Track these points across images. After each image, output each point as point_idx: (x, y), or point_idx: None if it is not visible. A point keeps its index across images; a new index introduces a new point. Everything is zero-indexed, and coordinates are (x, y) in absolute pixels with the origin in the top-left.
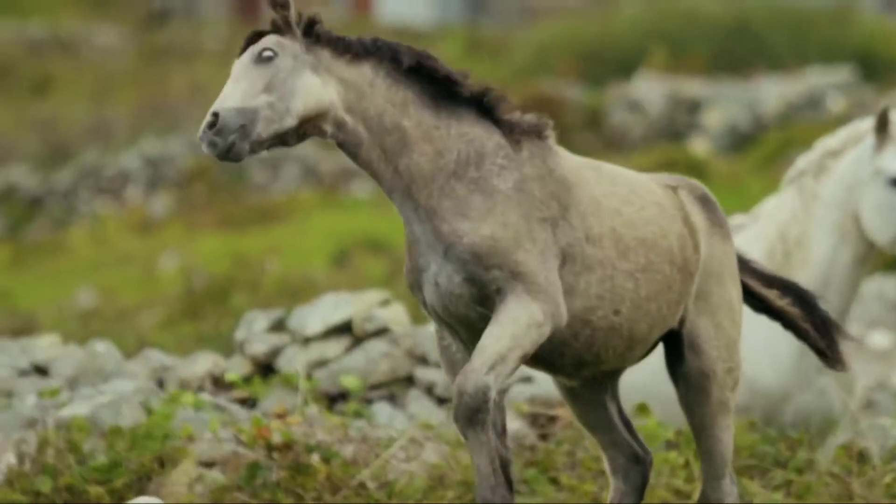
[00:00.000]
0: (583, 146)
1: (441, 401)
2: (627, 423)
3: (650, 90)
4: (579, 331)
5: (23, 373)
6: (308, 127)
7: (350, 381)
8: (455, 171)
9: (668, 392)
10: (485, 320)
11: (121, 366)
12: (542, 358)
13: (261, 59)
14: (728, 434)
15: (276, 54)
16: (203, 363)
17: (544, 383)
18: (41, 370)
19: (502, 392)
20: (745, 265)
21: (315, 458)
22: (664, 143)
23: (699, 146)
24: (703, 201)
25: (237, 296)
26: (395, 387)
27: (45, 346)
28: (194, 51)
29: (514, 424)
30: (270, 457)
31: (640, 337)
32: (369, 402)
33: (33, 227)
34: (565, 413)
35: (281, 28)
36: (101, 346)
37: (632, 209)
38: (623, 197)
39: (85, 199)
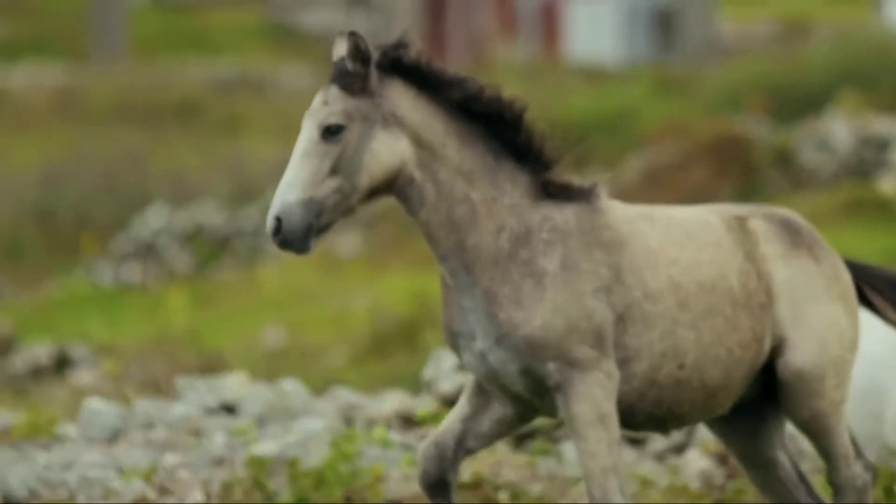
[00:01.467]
0: (770, 185)
1: (633, 440)
2: (805, 481)
3: (839, 128)
4: (646, 392)
5: (211, 411)
6: (376, 194)
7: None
8: (510, 252)
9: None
10: (536, 395)
11: (309, 404)
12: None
13: (329, 134)
14: (841, 439)
15: (344, 127)
16: (391, 402)
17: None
18: (229, 409)
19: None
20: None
21: (503, 497)
22: (852, 181)
23: (888, 184)
24: (784, 226)
25: (425, 335)
26: None
27: (234, 384)
28: None
29: (701, 463)
30: (459, 495)
31: (716, 384)
32: (556, 440)
33: (221, 265)
34: None
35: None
36: (289, 385)
37: (688, 254)
38: (679, 242)
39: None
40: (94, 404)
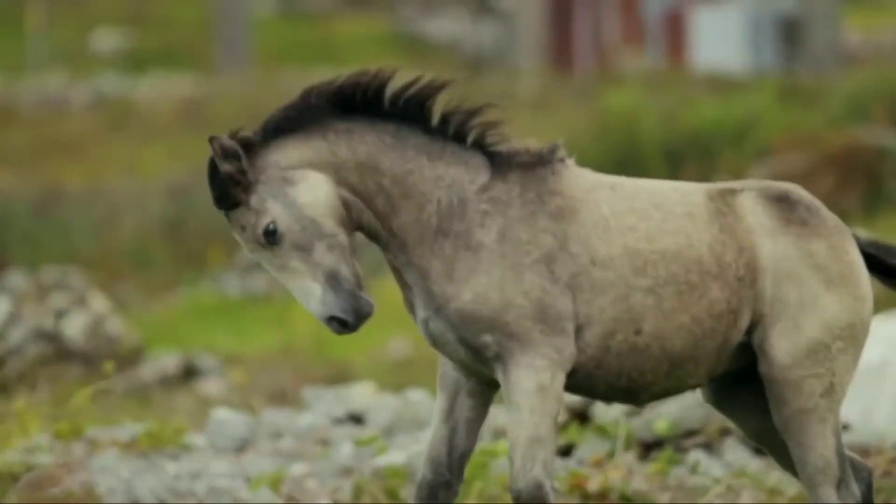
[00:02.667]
0: None
1: (759, 450)
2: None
3: None
4: (602, 358)
5: (338, 421)
6: (350, 221)
7: (661, 426)
8: (440, 226)
9: None
10: (478, 363)
11: None
12: (579, 390)
13: (272, 240)
14: (821, 442)
15: (271, 223)
16: None
17: (862, 430)
18: (357, 418)
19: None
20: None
21: None
22: None
23: None
24: (778, 201)
25: None
26: (711, 434)
27: (361, 394)
28: (507, 99)
29: None
30: None
31: (682, 354)
32: (684, 450)
33: None
34: (881, 461)
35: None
36: (416, 395)
37: (650, 223)
38: (641, 212)
39: None
40: (222, 414)
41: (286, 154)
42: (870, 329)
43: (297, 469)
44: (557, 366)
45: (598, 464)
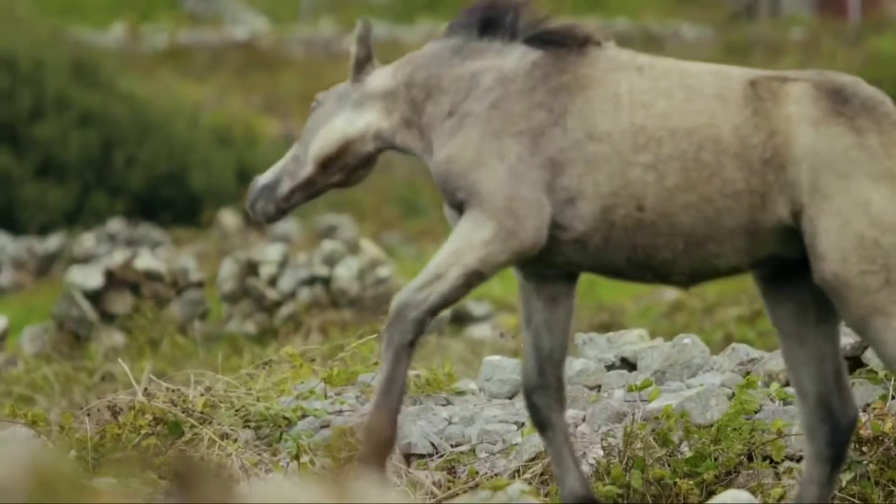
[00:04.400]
0: None
1: None
2: (837, 373)
3: None
4: (608, 233)
5: (611, 366)
6: (338, 167)
7: None
8: (450, 111)
9: None
10: None
11: (707, 360)
12: (601, 269)
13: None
14: (891, 336)
15: (318, 104)
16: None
17: None
18: (629, 364)
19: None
20: None
21: None
22: None
23: None
24: (832, 93)
25: None
26: None
27: (633, 340)
28: (777, 46)
29: None
30: (860, 451)
31: (694, 232)
32: None
33: None
34: None
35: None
36: (688, 340)
37: (670, 102)
38: (663, 91)
39: None
40: (494, 360)
41: (384, 73)
42: None
43: (569, 414)
44: (507, 236)
45: (873, 409)
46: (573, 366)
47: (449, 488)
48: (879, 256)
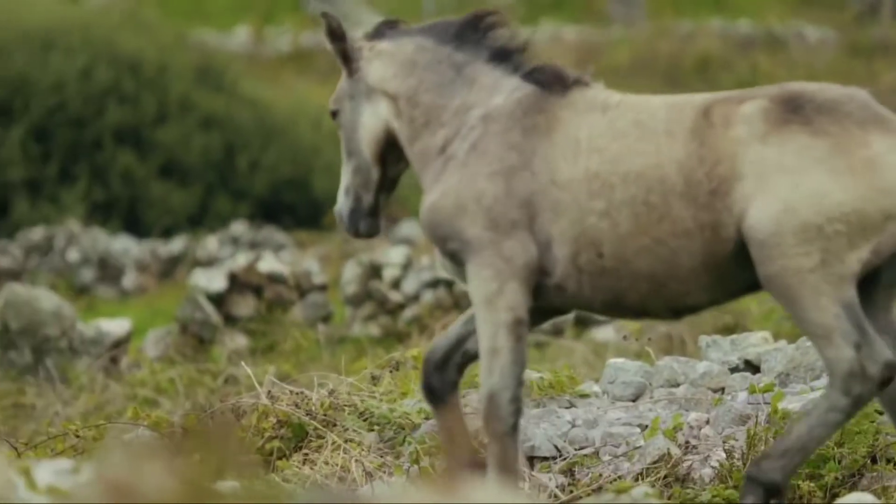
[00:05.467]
0: None
1: None
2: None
3: None
4: (580, 277)
5: (734, 369)
6: (394, 155)
7: None
8: (442, 147)
9: None
10: (459, 277)
11: None
12: (583, 307)
13: (335, 119)
14: (815, 303)
15: (337, 111)
16: None
17: None
18: (752, 366)
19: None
20: None
21: None
22: None
23: None
24: (784, 103)
25: None
26: None
27: (756, 342)
28: None
29: None
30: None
31: (654, 275)
32: None
33: None
34: None
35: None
36: (808, 343)
37: (623, 144)
38: (618, 132)
39: None
40: (618, 362)
41: (382, 66)
42: None
43: (693, 416)
44: (507, 275)
45: None
46: (697, 368)
47: (572, 491)
48: (818, 240)
